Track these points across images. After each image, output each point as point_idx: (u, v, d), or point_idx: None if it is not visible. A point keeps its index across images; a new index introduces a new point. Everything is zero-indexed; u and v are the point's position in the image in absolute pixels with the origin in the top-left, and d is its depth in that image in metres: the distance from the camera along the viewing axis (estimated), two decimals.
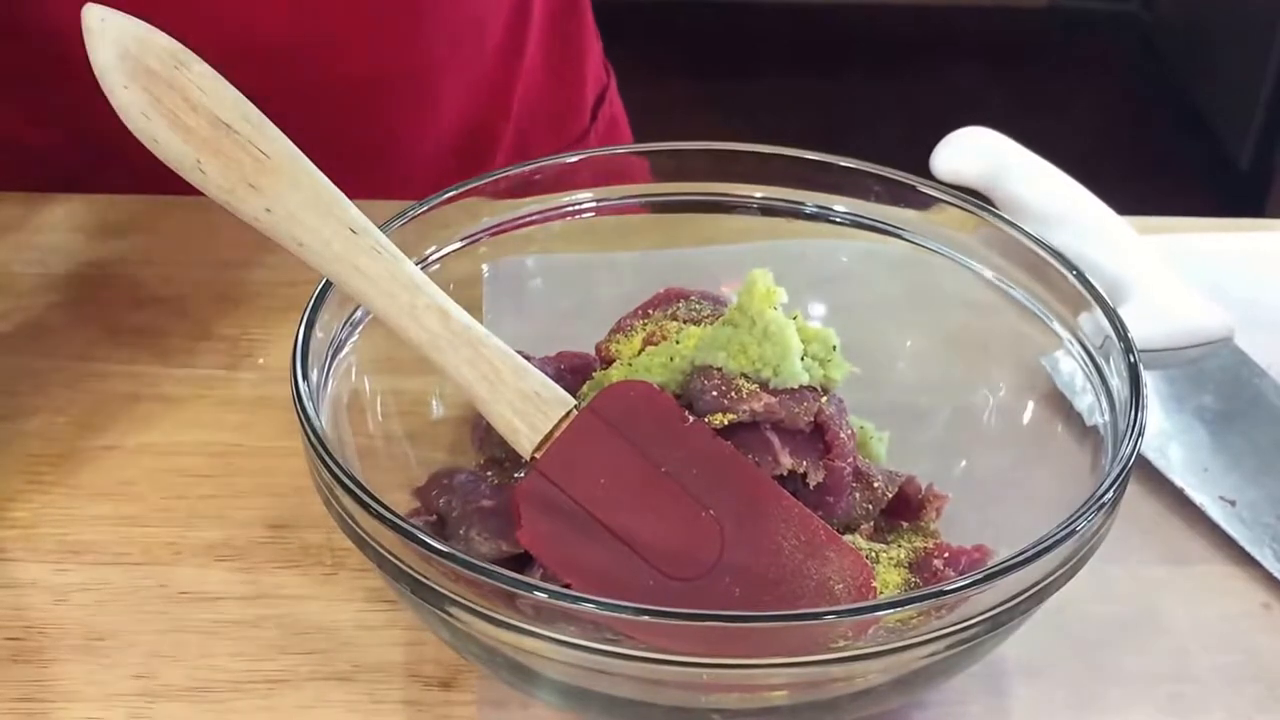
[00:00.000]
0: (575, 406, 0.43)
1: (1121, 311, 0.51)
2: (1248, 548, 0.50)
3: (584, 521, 0.41)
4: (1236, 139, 2.01)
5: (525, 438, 0.42)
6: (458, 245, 0.50)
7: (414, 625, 0.46)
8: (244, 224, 0.42)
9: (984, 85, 2.08)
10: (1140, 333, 0.55)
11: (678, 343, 0.45)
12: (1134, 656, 0.47)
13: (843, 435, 0.44)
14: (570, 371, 0.48)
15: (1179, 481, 0.52)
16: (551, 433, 0.42)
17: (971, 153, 0.60)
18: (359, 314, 0.46)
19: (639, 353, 0.46)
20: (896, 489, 0.46)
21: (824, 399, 0.44)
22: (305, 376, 0.42)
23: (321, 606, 0.48)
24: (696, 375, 0.44)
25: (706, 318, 0.48)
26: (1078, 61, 2.32)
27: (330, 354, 0.45)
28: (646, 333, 0.47)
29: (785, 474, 0.44)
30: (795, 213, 0.51)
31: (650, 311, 0.49)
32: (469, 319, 0.42)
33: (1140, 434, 0.42)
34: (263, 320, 0.60)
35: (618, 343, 0.47)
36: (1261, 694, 0.46)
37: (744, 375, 0.44)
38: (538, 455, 0.42)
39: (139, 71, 0.41)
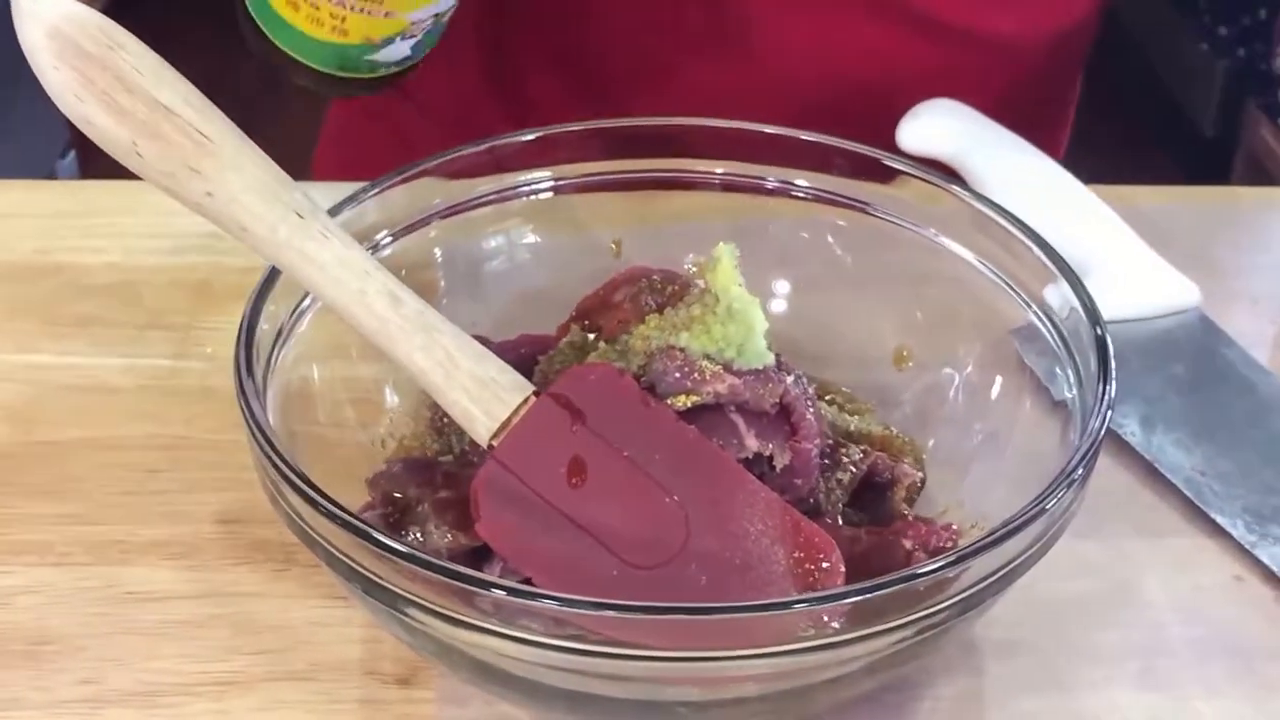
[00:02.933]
0: (534, 392, 0.41)
1: (1089, 283, 0.50)
2: (1219, 520, 0.49)
3: (544, 511, 0.40)
4: (1201, 107, 2.01)
5: (482, 425, 0.41)
6: (409, 228, 0.48)
7: (371, 622, 0.45)
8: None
9: None
10: (1108, 304, 0.54)
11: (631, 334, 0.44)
12: (1106, 631, 0.46)
13: (809, 416, 0.43)
14: (532, 355, 0.47)
15: (1150, 454, 0.51)
16: (510, 420, 0.41)
17: (937, 125, 0.59)
18: (307, 301, 0.45)
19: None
20: (867, 469, 0.45)
21: (790, 379, 0.43)
22: (250, 370, 0.41)
23: (275, 604, 0.46)
24: (658, 356, 0.43)
25: (669, 297, 0.46)
26: None
27: (277, 343, 0.44)
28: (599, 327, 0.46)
29: (751, 457, 0.43)
30: (757, 188, 0.50)
31: (612, 292, 0.48)
32: (421, 304, 0.41)
33: (1109, 408, 0.41)
34: (212, 308, 0.58)
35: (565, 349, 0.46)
36: (1235, 666, 0.45)
37: (707, 356, 0.42)
38: (495, 443, 0.41)
39: (70, 51, 0.39)
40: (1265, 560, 0.48)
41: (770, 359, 0.43)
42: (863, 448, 0.45)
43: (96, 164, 0.41)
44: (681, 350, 0.42)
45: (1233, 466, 0.51)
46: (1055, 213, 0.56)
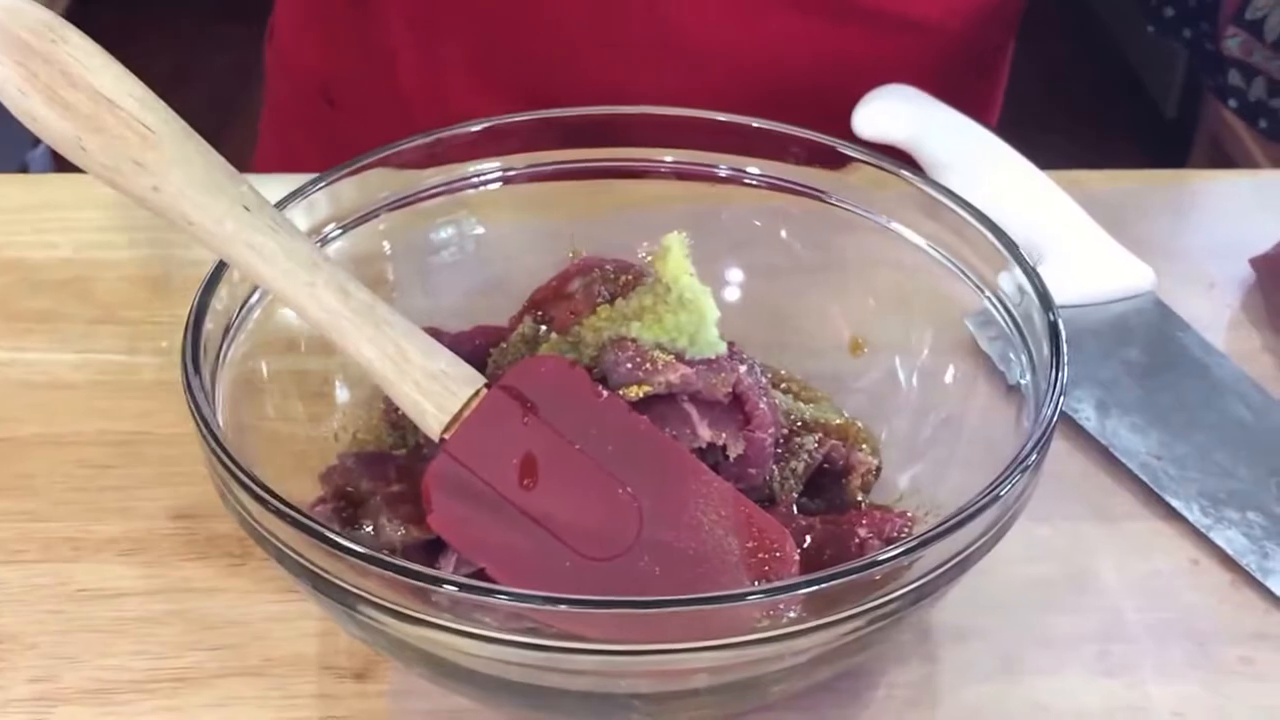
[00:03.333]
0: (485, 385, 0.41)
1: (1044, 268, 0.50)
2: (1175, 504, 0.50)
3: (497, 503, 0.40)
4: (1163, 89, 2.02)
5: (433, 418, 0.40)
6: (358, 220, 0.48)
7: (325, 616, 0.45)
8: None
9: None
10: (1063, 288, 0.55)
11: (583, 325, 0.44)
12: (1062, 616, 0.46)
13: (762, 405, 0.43)
14: (485, 346, 0.47)
15: (1105, 439, 0.51)
16: (461, 413, 0.40)
17: (893, 111, 0.59)
18: (256, 295, 0.45)
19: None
20: (822, 458, 0.45)
21: (743, 368, 0.43)
22: (197, 365, 0.40)
23: (230, 599, 0.46)
24: (610, 347, 0.42)
25: (623, 287, 0.46)
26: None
27: (226, 337, 0.43)
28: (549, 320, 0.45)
29: (704, 446, 0.42)
30: (709, 176, 0.50)
31: (564, 282, 0.47)
32: (371, 296, 0.41)
33: (1061, 394, 0.41)
34: (166, 302, 0.58)
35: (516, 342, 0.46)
36: (1191, 650, 0.45)
37: (659, 346, 0.42)
38: (447, 436, 0.40)
39: (13, 45, 0.38)
40: (1221, 544, 0.48)
41: (722, 348, 0.43)
42: (817, 436, 0.45)
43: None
44: (633, 340, 0.42)
45: (1188, 450, 0.51)
46: (1010, 197, 0.57)
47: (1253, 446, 0.51)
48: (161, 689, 0.43)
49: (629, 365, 0.42)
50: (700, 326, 0.42)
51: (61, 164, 0.46)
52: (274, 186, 0.44)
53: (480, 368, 0.42)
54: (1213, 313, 0.58)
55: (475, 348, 0.46)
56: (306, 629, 0.45)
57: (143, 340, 0.56)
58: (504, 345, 0.45)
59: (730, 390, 0.43)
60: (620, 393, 0.41)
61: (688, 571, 0.40)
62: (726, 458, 0.43)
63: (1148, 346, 0.55)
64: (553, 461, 0.40)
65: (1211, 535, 0.49)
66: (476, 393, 0.41)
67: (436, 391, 0.40)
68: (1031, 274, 0.44)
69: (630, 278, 0.46)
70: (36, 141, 1.30)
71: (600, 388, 0.42)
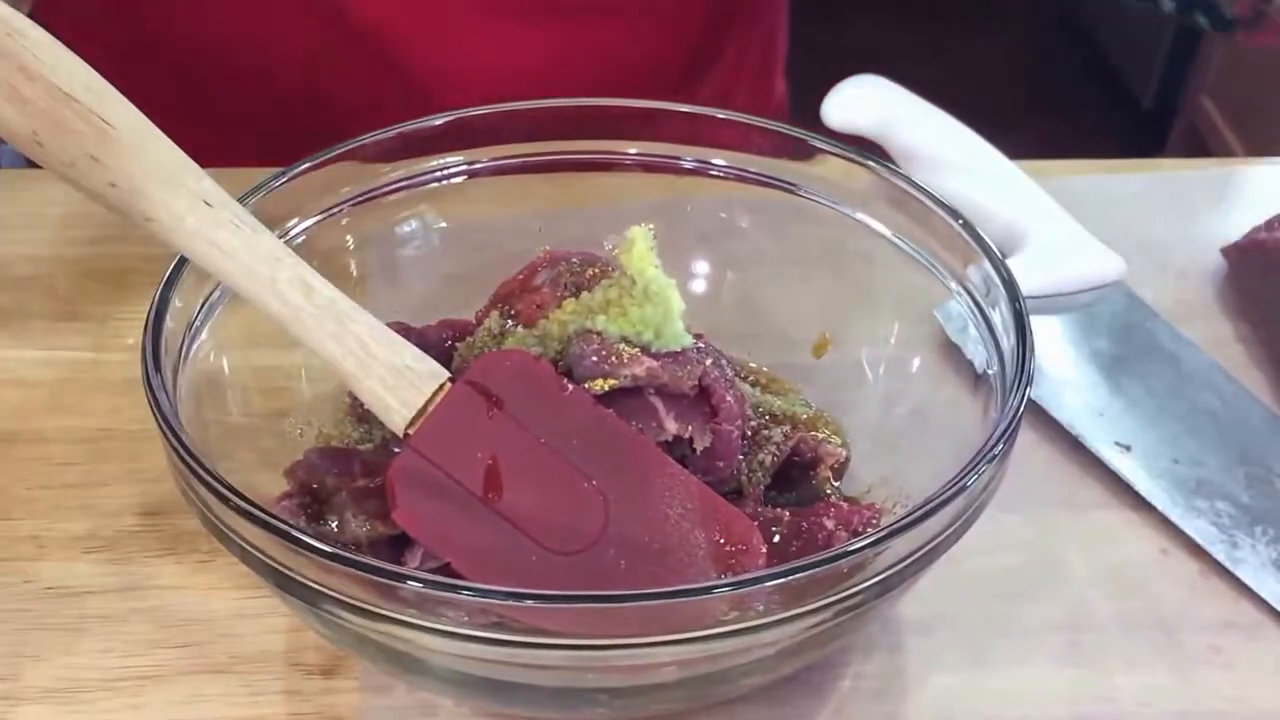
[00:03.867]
0: (450, 379, 0.41)
1: (1014, 258, 0.50)
2: (1144, 493, 0.50)
3: (462, 498, 0.39)
4: (1140, 78, 2.02)
5: (397, 414, 0.40)
6: (322, 216, 0.48)
7: (293, 613, 0.44)
8: None
9: (887, 29, 2.07)
10: (1032, 278, 0.55)
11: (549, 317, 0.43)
12: (1030, 605, 0.46)
13: (729, 398, 0.43)
14: (454, 340, 0.46)
15: (1074, 428, 0.51)
16: (425, 408, 0.40)
17: (862, 101, 0.59)
18: (218, 292, 0.44)
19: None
20: (790, 449, 0.45)
21: (709, 361, 0.43)
22: (157, 362, 0.40)
23: (197, 596, 0.46)
24: (576, 340, 0.42)
25: (589, 280, 0.46)
26: (982, 3, 2.32)
27: (188, 334, 0.43)
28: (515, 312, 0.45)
29: (671, 440, 0.42)
30: (674, 168, 0.50)
31: (530, 276, 0.47)
32: (334, 292, 0.40)
33: (1028, 384, 0.41)
34: (132, 298, 0.57)
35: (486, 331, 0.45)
36: (1160, 640, 0.45)
37: (625, 339, 0.42)
38: (411, 432, 0.40)
39: None
40: (1190, 533, 0.48)
41: (689, 340, 0.43)
42: (785, 428, 0.45)
43: None
44: (598, 334, 0.42)
45: (1158, 440, 0.51)
46: (980, 187, 0.56)
47: (1222, 436, 0.51)
48: (127, 687, 0.43)
49: (594, 359, 0.41)
50: (666, 319, 0.42)
51: (29, 159, 0.46)
52: (235, 181, 0.43)
53: (446, 363, 0.42)
54: (1184, 302, 0.58)
55: (441, 342, 0.46)
56: (274, 625, 0.45)
57: (108, 337, 0.55)
58: (470, 339, 0.45)
59: (696, 383, 0.42)
60: (586, 386, 0.41)
61: (654, 565, 0.39)
62: (694, 451, 0.43)
63: (1117, 336, 0.55)
64: (518, 456, 0.40)
65: (1180, 524, 0.49)
66: (441, 387, 0.40)
67: (401, 386, 0.40)
68: (998, 264, 0.44)
69: (596, 271, 0.46)
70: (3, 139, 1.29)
71: (565, 381, 0.41)
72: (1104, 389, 0.53)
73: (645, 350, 0.42)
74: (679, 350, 0.42)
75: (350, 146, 0.47)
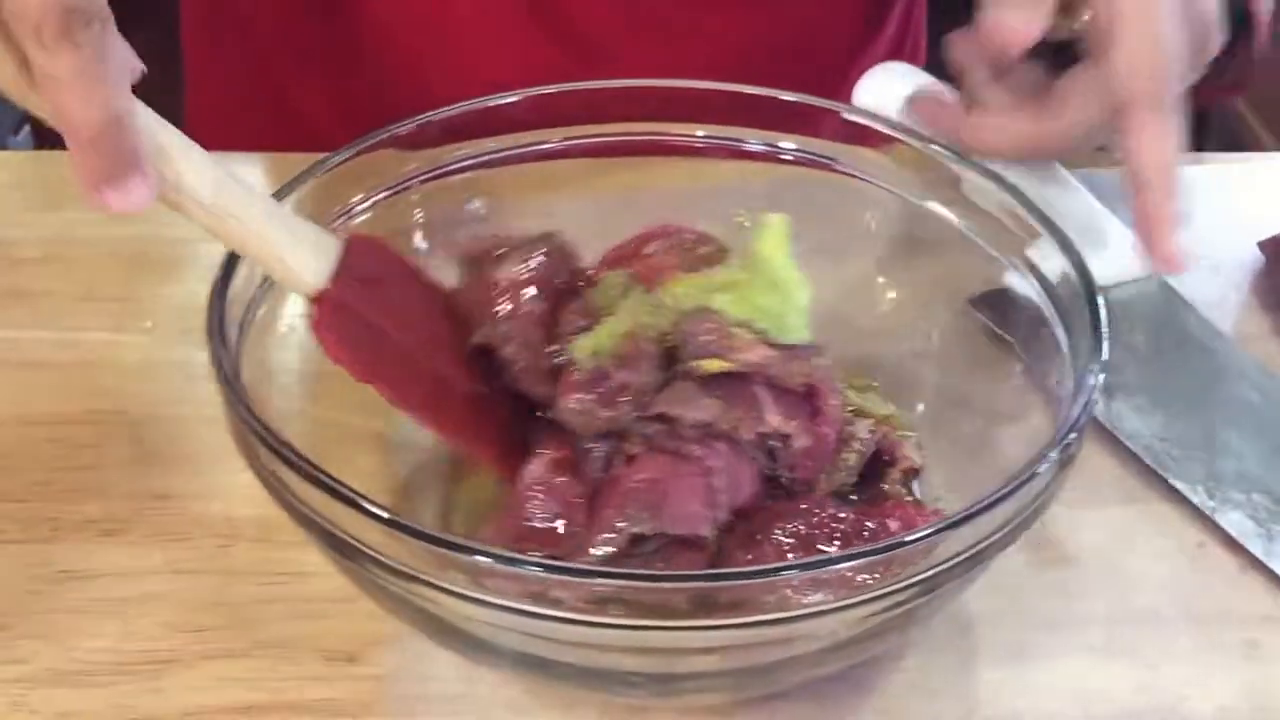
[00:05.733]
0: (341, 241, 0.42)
1: (1045, 249, 0.49)
2: (1180, 487, 0.49)
3: (376, 335, 0.41)
4: None
5: (312, 275, 0.41)
6: (386, 194, 0.47)
7: (315, 598, 0.44)
8: None
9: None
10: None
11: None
12: (1066, 600, 0.45)
13: (834, 402, 0.42)
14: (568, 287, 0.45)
15: (1109, 422, 0.51)
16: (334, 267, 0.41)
17: (894, 88, 0.58)
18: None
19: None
20: (874, 447, 0.44)
21: (821, 361, 0.42)
22: (223, 338, 0.39)
23: (216, 581, 0.45)
24: (691, 317, 0.41)
25: (700, 258, 0.45)
26: None
27: (249, 310, 0.42)
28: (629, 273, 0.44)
29: (768, 432, 0.41)
30: (738, 152, 0.49)
31: (643, 244, 0.46)
32: (226, 178, 0.39)
33: (1102, 370, 0.40)
34: (151, 279, 0.56)
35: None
36: (1197, 634, 0.45)
37: (742, 323, 0.41)
38: (328, 287, 0.41)
39: None
40: (1226, 526, 0.48)
41: (807, 336, 0.41)
42: (870, 422, 0.44)
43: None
44: (716, 313, 0.41)
45: (1193, 433, 0.50)
46: (1016, 175, 0.55)
47: (1260, 429, 0.51)
48: (145, 671, 0.42)
49: (708, 338, 0.40)
50: (789, 312, 0.41)
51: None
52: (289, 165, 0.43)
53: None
54: (1219, 295, 0.57)
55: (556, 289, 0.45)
56: (294, 611, 0.44)
57: (126, 318, 0.55)
58: (594, 288, 0.44)
59: (805, 380, 0.41)
60: (695, 365, 0.40)
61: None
62: (786, 446, 0.41)
63: (1153, 329, 0.54)
64: (402, 299, 0.43)
65: (1216, 517, 0.48)
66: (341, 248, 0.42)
67: (305, 254, 0.41)
68: (1075, 256, 0.43)
69: (711, 250, 0.44)
70: (18, 126, 1.28)
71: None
72: (1139, 382, 0.52)
73: (761, 338, 0.41)
74: (794, 345, 0.41)
75: (420, 122, 0.47)
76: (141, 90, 0.38)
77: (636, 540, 0.39)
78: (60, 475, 0.48)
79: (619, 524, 0.38)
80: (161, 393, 0.52)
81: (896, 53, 0.75)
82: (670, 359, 0.41)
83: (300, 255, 0.41)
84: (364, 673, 0.42)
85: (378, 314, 0.42)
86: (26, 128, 1.18)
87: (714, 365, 0.40)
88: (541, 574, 0.34)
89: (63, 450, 0.49)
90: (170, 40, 0.77)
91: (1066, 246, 0.43)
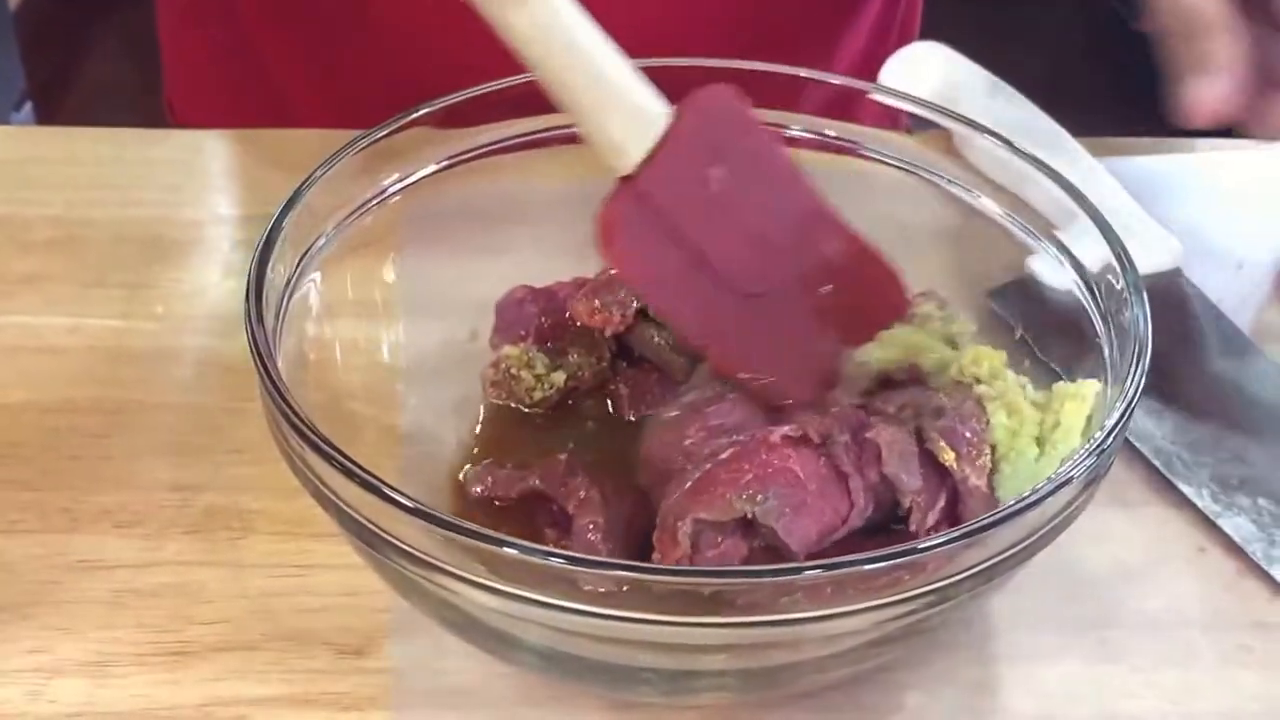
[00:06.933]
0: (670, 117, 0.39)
1: (1070, 236, 0.49)
2: (1185, 491, 0.49)
3: (670, 239, 0.40)
4: None
5: (631, 156, 0.38)
6: (429, 171, 0.47)
7: (324, 591, 0.44)
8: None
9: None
10: (1092, 257, 0.53)
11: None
12: (1063, 603, 0.45)
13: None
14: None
15: None
16: (654, 150, 0.39)
17: (923, 69, 0.57)
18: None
19: None
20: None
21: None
22: (260, 320, 0.39)
23: (228, 573, 0.45)
24: (964, 403, 0.41)
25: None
26: None
27: (285, 296, 0.42)
28: None
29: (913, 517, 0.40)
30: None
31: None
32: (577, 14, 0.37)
33: (1143, 375, 0.40)
34: (163, 263, 0.56)
35: None
36: (1195, 638, 0.45)
37: (993, 443, 0.41)
38: (636, 172, 0.39)
39: None
40: (1228, 531, 0.48)
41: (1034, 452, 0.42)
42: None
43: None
44: (986, 418, 0.41)
45: (1203, 435, 0.50)
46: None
47: (1273, 432, 0.50)
48: (161, 662, 0.42)
49: (967, 435, 0.40)
50: (1025, 451, 0.41)
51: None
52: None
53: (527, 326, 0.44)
54: (1239, 293, 0.56)
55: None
56: (306, 604, 0.44)
57: (138, 304, 0.55)
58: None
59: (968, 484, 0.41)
60: (935, 439, 0.40)
61: (808, 326, 0.42)
62: (910, 525, 0.41)
63: (1170, 326, 0.53)
64: (725, 198, 0.40)
65: (1220, 522, 0.48)
66: (667, 127, 0.39)
67: (635, 126, 0.38)
68: (1120, 251, 0.43)
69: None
70: (20, 102, 1.27)
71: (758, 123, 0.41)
72: (1152, 382, 0.51)
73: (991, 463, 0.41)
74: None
75: (473, 94, 0.46)
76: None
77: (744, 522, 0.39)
78: (75, 464, 0.48)
79: (741, 497, 0.38)
80: (174, 381, 0.52)
81: (886, 23, 0.75)
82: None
83: (627, 124, 0.38)
84: (374, 666, 0.43)
85: (684, 213, 0.39)
86: (29, 104, 1.17)
87: (947, 457, 0.40)
88: (562, 565, 0.34)
89: (78, 439, 0.49)
90: (150, 17, 0.76)
91: (1108, 234, 0.43)
